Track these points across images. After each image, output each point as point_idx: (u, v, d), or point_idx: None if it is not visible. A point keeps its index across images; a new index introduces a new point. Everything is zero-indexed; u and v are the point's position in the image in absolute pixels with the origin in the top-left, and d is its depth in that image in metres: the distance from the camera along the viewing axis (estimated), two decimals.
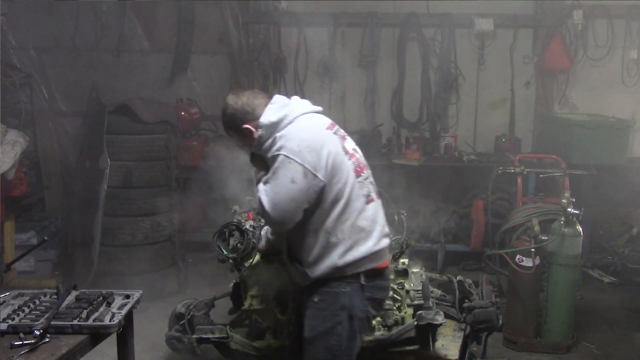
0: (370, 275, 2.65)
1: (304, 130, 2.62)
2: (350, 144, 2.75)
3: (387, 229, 2.77)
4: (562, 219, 4.45)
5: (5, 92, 5.71)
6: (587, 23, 6.87)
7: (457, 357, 3.27)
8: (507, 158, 6.46)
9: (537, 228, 4.71)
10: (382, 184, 4.00)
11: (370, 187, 2.71)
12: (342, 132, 2.76)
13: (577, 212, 4.38)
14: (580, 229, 4.47)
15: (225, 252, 3.34)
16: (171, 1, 6.78)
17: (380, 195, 2.82)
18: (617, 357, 4.58)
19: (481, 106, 7.24)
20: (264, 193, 2.55)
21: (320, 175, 2.52)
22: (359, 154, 2.77)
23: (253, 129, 2.66)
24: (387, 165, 6.63)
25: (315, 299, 2.63)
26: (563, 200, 4.44)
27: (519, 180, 5.97)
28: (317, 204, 2.56)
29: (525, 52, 7.09)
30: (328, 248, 2.58)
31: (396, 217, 3.93)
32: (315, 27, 7.15)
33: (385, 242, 2.73)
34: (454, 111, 7.22)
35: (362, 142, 6.76)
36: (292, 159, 2.51)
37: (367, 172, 2.74)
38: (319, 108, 2.80)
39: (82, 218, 5.54)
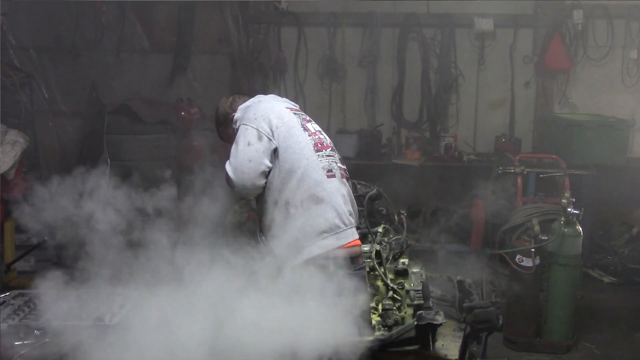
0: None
1: (262, 105, 2.84)
2: (315, 126, 2.87)
3: (351, 208, 2.79)
4: (562, 219, 4.45)
5: (5, 92, 5.71)
6: (587, 23, 6.86)
7: (457, 357, 3.27)
8: (507, 158, 6.46)
9: (537, 228, 4.71)
10: (382, 184, 4.01)
11: (333, 165, 2.77)
12: (307, 117, 2.91)
13: (577, 212, 4.38)
14: (580, 229, 4.47)
15: None
16: (171, 1, 6.78)
17: (348, 178, 2.86)
18: (617, 357, 4.58)
19: (481, 106, 7.24)
20: (228, 163, 2.71)
21: (273, 140, 2.68)
22: (324, 136, 2.86)
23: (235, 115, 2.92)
24: (387, 165, 6.63)
25: None
26: (563, 200, 4.44)
27: (519, 180, 5.96)
28: (276, 174, 2.67)
29: (525, 52, 7.09)
30: (289, 219, 2.63)
31: (396, 217, 3.93)
32: (315, 27, 7.15)
33: (349, 219, 2.74)
34: (454, 111, 7.22)
35: (362, 142, 6.86)
36: (249, 125, 2.71)
37: (330, 152, 2.81)
38: (293, 103, 3.01)
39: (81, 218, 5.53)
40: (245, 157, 2.65)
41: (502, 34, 7.06)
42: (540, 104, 7.14)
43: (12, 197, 5.52)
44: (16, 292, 2.91)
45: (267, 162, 2.66)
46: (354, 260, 2.73)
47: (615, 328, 5.04)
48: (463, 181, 6.74)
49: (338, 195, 2.72)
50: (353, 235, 2.76)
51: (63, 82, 6.76)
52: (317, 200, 2.65)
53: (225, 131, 3.03)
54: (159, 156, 5.55)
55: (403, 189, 6.52)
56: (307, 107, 7.10)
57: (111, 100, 5.83)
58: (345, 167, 2.88)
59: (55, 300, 2.73)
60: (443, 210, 6.74)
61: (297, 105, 3.02)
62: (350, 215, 2.77)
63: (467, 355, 3.62)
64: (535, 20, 7.01)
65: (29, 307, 2.71)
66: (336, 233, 2.67)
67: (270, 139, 2.67)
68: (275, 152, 2.68)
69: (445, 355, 3.26)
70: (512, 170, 5.97)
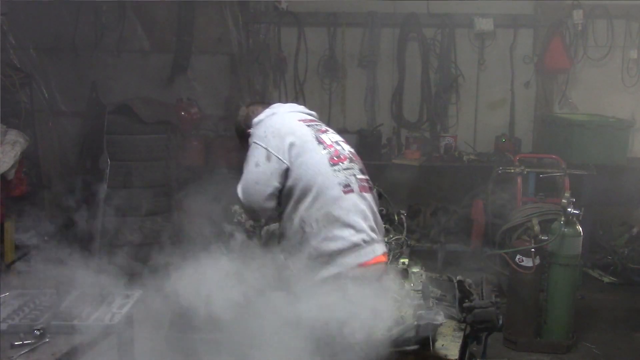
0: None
1: (274, 120, 2.75)
2: (332, 137, 2.77)
3: (372, 223, 2.65)
4: (562, 219, 4.45)
5: (5, 92, 5.71)
6: (587, 23, 6.86)
7: (457, 357, 3.27)
8: (507, 158, 6.46)
9: (537, 228, 4.71)
10: (382, 184, 4.01)
11: (351, 179, 2.64)
12: (322, 127, 2.80)
13: (577, 212, 4.38)
14: (580, 229, 4.47)
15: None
16: (171, 1, 6.78)
17: (369, 189, 2.74)
18: (617, 357, 4.58)
19: (481, 106, 7.24)
20: (240, 181, 2.66)
21: (283, 159, 2.58)
22: (342, 147, 2.74)
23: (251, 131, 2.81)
24: (387, 165, 6.63)
25: None
26: (563, 200, 4.44)
27: (519, 180, 5.96)
28: (291, 192, 2.58)
29: (525, 52, 7.09)
30: (305, 238, 2.55)
31: (396, 217, 3.92)
32: (315, 27, 7.15)
33: (369, 235, 2.61)
34: (454, 111, 7.22)
35: (362, 142, 6.85)
36: (258, 144, 2.64)
37: (349, 164, 2.69)
38: (309, 111, 2.92)
39: (81, 218, 5.54)
40: (253, 179, 2.59)
41: (502, 34, 7.06)
42: (540, 104, 7.14)
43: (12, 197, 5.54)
44: (16, 292, 2.91)
45: (276, 184, 2.57)
46: (375, 277, 2.58)
47: (615, 328, 5.04)
48: (463, 181, 6.75)
49: (356, 211, 2.59)
50: (374, 252, 2.61)
51: (63, 82, 6.76)
52: (333, 218, 2.54)
53: (246, 146, 2.86)
54: (159, 156, 5.55)
55: (403, 189, 6.53)
56: (307, 107, 7.08)
57: (111, 100, 5.83)
58: (366, 176, 2.76)
59: (56, 300, 2.74)
60: (443, 210, 6.75)
61: (313, 113, 2.92)
62: (372, 230, 2.63)
63: (467, 355, 3.62)
64: (535, 20, 7.01)
65: (29, 307, 2.71)
66: (354, 251, 2.54)
67: (279, 159, 2.58)
68: (287, 171, 2.58)
69: (445, 355, 3.26)
70: (512, 170, 5.97)
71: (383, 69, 7.23)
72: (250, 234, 3.33)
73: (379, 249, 2.65)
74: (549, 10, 6.94)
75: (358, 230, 2.57)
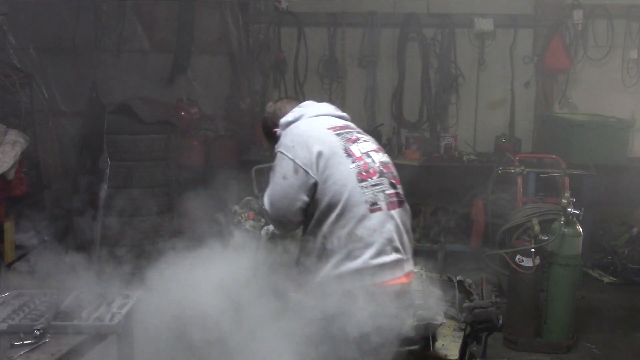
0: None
1: (301, 128, 2.61)
2: (362, 147, 2.59)
3: (397, 244, 2.51)
4: (562, 219, 4.45)
5: (5, 92, 5.70)
6: (587, 23, 6.87)
7: (457, 357, 3.27)
8: (507, 158, 6.46)
9: (537, 228, 4.71)
10: None
11: (379, 196, 2.50)
12: (353, 135, 2.62)
13: (577, 212, 4.38)
14: (580, 229, 4.47)
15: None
16: (171, 1, 6.78)
17: (399, 204, 2.61)
18: (617, 357, 4.58)
19: (481, 106, 7.24)
20: (266, 192, 2.56)
21: (311, 172, 2.45)
22: (372, 159, 2.58)
23: (278, 131, 2.71)
24: None
25: None
26: (563, 200, 4.44)
27: (519, 180, 5.96)
28: (315, 206, 2.47)
29: (525, 52, 7.09)
30: (324, 255, 2.45)
31: None
32: (315, 27, 7.16)
33: (392, 256, 2.48)
34: (454, 111, 7.22)
35: None
36: (285, 155, 2.49)
37: (378, 179, 2.54)
38: (340, 113, 2.76)
39: (81, 218, 5.55)
40: (281, 192, 2.48)
41: (502, 34, 7.06)
42: (540, 104, 7.14)
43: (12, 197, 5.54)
44: (16, 292, 2.92)
45: (304, 197, 2.46)
46: (389, 296, 2.46)
47: (615, 328, 5.04)
48: (463, 181, 6.74)
49: (381, 232, 2.47)
50: (393, 273, 2.50)
51: (63, 82, 6.76)
52: (356, 238, 2.43)
53: (271, 144, 2.77)
54: (159, 156, 5.56)
55: (403, 189, 6.53)
56: None
57: (111, 100, 5.83)
58: (397, 190, 2.63)
59: (56, 300, 2.74)
60: (443, 210, 6.75)
61: (345, 115, 2.76)
62: (396, 251, 2.50)
63: (467, 355, 3.62)
64: (535, 20, 7.01)
65: (29, 307, 2.71)
66: (371, 272, 2.44)
67: (307, 172, 2.45)
68: (315, 185, 2.45)
69: (445, 355, 3.26)
70: (512, 170, 5.97)
71: (383, 69, 7.24)
72: (250, 234, 3.33)
73: (399, 271, 2.53)
74: (549, 10, 6.95)
75: (380, 252, 2.46)
